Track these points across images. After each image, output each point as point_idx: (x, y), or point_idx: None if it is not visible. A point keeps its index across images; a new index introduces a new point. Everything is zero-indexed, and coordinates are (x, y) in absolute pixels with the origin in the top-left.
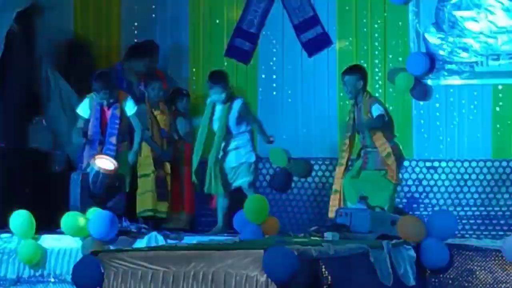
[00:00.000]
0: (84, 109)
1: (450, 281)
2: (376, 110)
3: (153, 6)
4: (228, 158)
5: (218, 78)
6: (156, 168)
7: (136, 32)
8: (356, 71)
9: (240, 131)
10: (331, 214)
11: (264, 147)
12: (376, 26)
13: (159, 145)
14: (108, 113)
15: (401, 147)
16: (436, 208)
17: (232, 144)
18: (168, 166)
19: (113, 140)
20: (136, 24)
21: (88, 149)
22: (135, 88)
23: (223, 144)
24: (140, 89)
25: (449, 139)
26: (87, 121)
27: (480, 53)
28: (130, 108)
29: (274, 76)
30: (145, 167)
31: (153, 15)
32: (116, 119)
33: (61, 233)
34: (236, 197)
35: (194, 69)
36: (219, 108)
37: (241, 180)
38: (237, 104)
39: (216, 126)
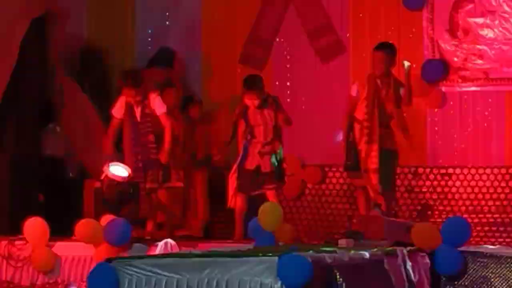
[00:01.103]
0: (118, 109)
1: None
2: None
3: (167, 13)
4: (262, 162)
5: (253, 83)
6: None
7: (149, 39)
8: (388, 47)
9: (274, 137)
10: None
11: None
12: (390, 32)
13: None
14: (138, 111)
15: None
16: (450, 215)
17: (266, 149)
18: (181, 173)
19: (152, 138)
20: (150, 31)
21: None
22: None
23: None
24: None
25: (464, 146)
26: (120, 121)
27: (494, 60)
28: (159, 107)
29: (288, 83)
30: None
31: (167, 22)
32: (148, 117)
33: (75, 240)
34: (250, 204)
35: (207, 77)
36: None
37: (270, 187)
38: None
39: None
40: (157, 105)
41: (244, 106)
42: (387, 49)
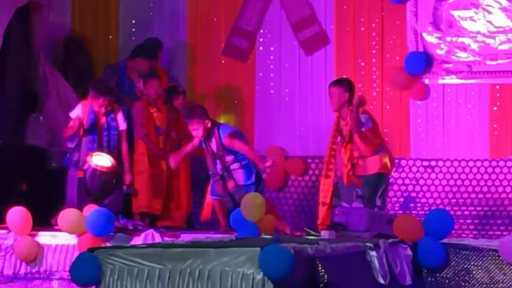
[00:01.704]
0: (76, 111)
1: (446, 281)
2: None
3: (151, 4)
4: (235, 176)
5: (192, 113)
6: (151, 165)
7: (133, 29)
8: (343, 83)
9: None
10: (321, 227)
11: (261, 145)
12: (373, 25)
13: (154, 142)
14: (103, 121)
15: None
16: (433, 208)
17: (235, 165)
18: (163, 163)
19: (115, 151)
20: (134, 21)
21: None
22: (135, 85)
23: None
24: (139, 86)
25: (446, 139)
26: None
27: (478, 53)
28: (121, 123)
29: (272, 75)
30: (140, 165)
31: (151, 13)
32: (115, 130)
33: (58, 229)
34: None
35: (191, 67)
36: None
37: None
38: (221, 135)
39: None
40: (120, 120)
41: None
42: (342, 85)
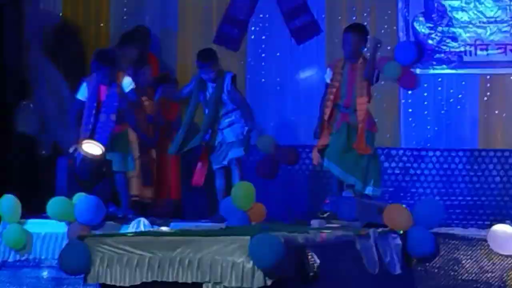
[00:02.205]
0: (82, 92)
1: (436, 270)
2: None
3: None
4: (224, 134)
5: (207, 57)
6: (141, 153)
7: (125, 17)
8: (363, 30)
9: (233, 107)
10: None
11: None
12: (365, 14)
13: (145, 130)
14: (106, 92)
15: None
16: (423, 197)
17: (226, 121)
18: (153, 152)
19: (113, 117)
20: (125, 9)
21: (83, 130)
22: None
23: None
24: (128, 74)
25: (437, 128)
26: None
27: (469, 43)
28: (127, 85)
29: (263, 63)
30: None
31: (142, 1)
32: (115, 97)
33: (47, 217)
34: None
35: (182, 55)
36: (210, 86)
37: (235, 151)
38: (228, 79)
39: (207, 105)
40: (125, 83)
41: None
42: (361, 32)
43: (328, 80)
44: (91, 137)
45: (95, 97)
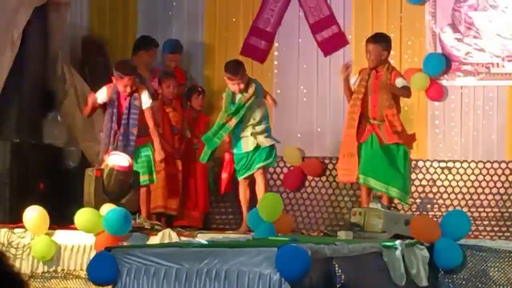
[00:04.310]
0: (101, 95)
1: (463, 282)
2: (402, 82)
3: (174, 3)
4: (247, 142)
5: (234, 69)
6: (167, 165)
7: (151, 29)
8: (383, 40)
9: (261, 117)
10: (343, 178)
11: (279, 148)
12: (392, 26)
13: (170, 141)
14: (125, 103)
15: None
16: (450, 209)
17: (253, 130)
18: (179, 163)
19: (134, 130)
20: (152, 21)
21: (104, 142)
22: (147, 84)
23: (238, 131)
24: (153, 85)
25: (464, 140)
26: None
27: (496, 55)
28: (145, 101)
29: (290, 75)
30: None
31: (169, 13)
32: (136, 109)
33: (75, 229)
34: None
35: (209, 67)
36: (238, 97)
37: (259, 161)
38: (255, 88)
39: (236, 114)
40: (144, 98)
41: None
42: (381, 42)
43: (352, 84)
44: (115, 148)
45: (114, 104)
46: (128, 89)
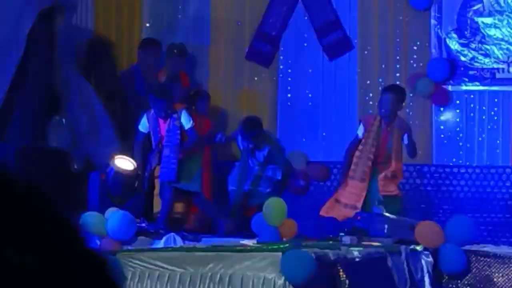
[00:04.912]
0: (143, 124)
1: (467, 287)
2: (407, 139)
3: (180, 7)
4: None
5: (251, 127)
6: None
7: (157, 33)
8: (399, 92)
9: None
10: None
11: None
12: (397, 31)
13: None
14: (165, 126)
15: None
16: (455, 214)
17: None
18: None
19: (177, 152)
20: (158, 25)
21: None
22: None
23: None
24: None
25: (469, 145)
26: (146, 135)
27: (502, 60)
28: (186, 121)
29: (295, 79)
30: None
31: (176, 16)
32: (177, 130)
33: None
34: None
35: (214, 70)
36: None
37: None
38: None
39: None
40: (184, 118)
41: None
42: (394, 92)
43: (360, 136)
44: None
45: (157, 130)
46: (163, 113)
